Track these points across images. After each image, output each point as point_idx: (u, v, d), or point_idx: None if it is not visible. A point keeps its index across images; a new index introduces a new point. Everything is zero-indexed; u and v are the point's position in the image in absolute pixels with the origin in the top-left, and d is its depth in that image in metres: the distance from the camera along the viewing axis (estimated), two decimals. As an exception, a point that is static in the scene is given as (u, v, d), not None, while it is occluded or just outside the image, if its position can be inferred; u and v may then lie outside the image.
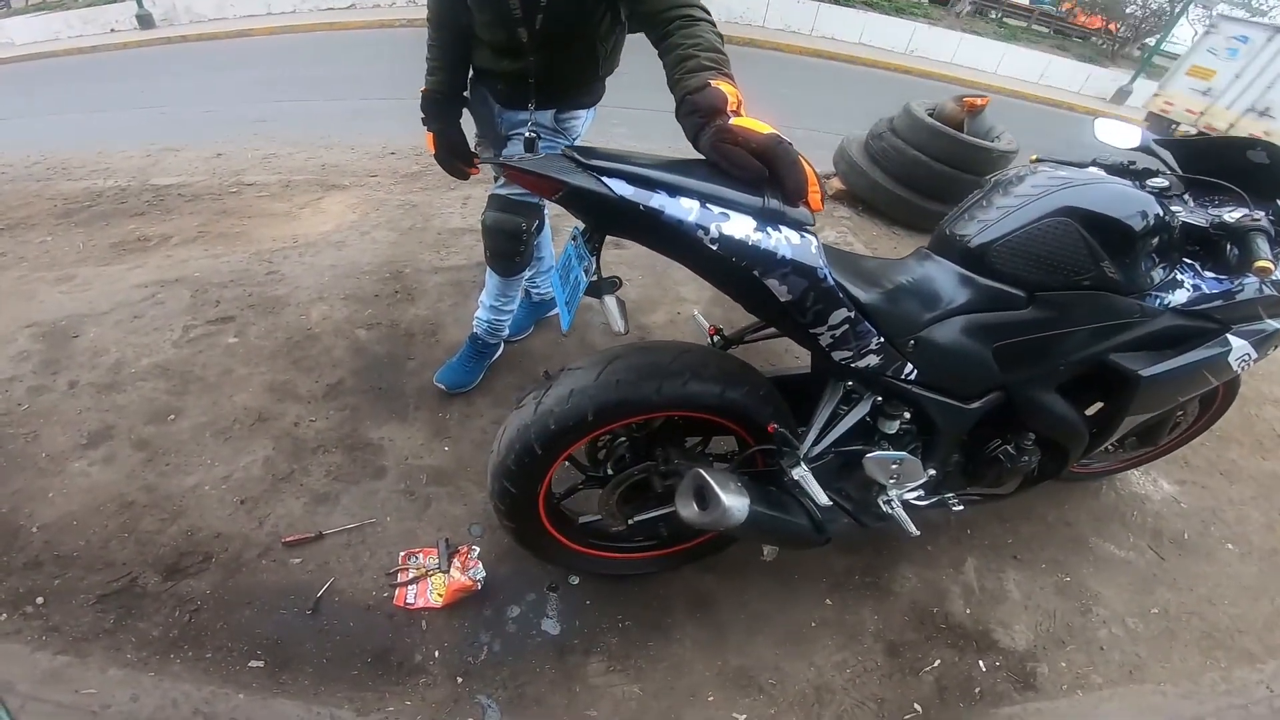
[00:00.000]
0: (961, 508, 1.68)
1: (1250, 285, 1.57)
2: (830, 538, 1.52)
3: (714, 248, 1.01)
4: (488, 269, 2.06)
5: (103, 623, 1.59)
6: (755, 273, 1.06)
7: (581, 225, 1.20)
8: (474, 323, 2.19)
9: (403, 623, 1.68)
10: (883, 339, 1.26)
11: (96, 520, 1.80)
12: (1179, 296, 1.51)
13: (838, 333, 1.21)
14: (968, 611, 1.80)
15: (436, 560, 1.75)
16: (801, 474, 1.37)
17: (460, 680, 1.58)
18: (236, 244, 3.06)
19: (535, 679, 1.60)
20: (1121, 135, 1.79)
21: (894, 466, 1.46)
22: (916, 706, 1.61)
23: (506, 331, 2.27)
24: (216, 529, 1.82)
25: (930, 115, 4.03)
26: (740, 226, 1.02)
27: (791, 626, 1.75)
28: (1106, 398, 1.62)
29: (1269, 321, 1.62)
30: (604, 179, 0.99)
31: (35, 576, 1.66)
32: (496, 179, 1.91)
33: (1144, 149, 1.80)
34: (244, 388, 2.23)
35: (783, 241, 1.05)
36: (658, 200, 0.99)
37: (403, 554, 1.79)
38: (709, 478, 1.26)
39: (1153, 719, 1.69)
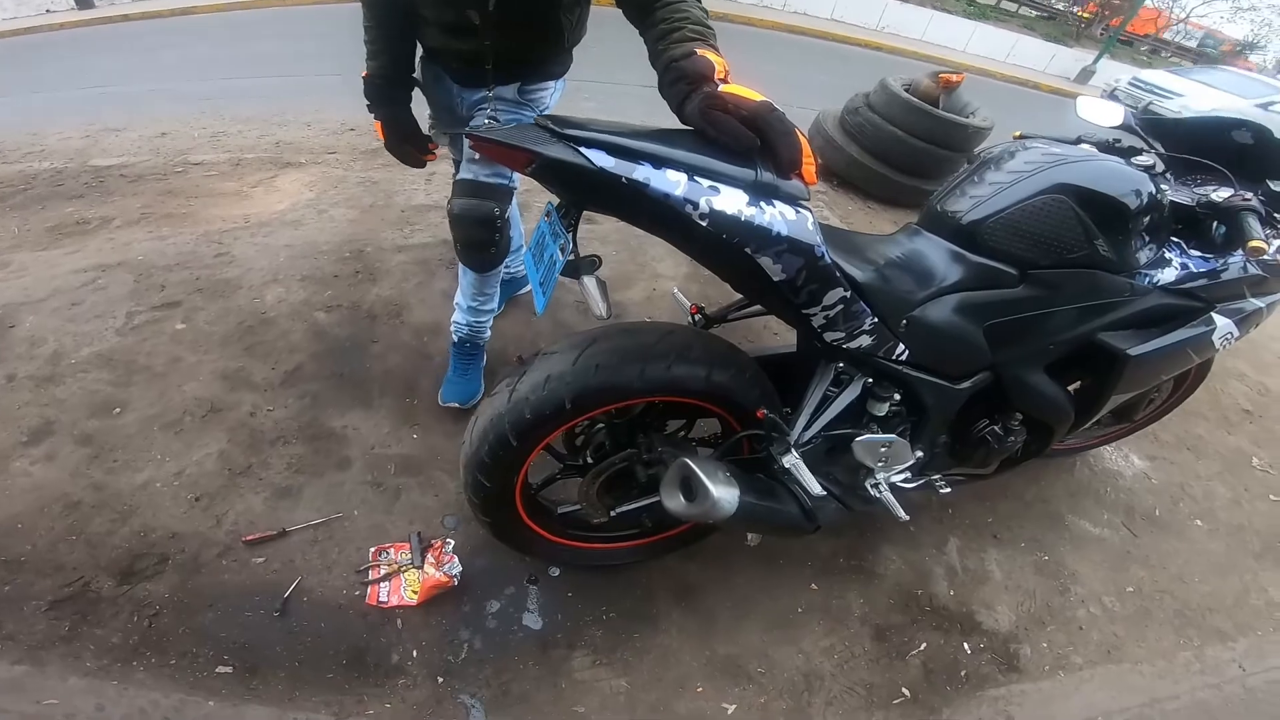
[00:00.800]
0: (948, 490, 1.68)
1: (1235, 264, 1.57)
2: (820, 525, 1.49)
3: (704, 224, 0.96)
4: (460, 265, 1.91)
5: (58, 629, 1.49)
6: (747, 250, 1.02)
7: (556, 200, 1.13)
8: (452, 328, 2.03)
9: (377, 622, 1.61)
10: (876, 319, 1.23)
11: (43, 522, 1.69)
12: (1167, 275, 1.51)
13: (832, 313, 1.17)
14: (951, 593, 1.81)
15: (409, 555, 1.69)
16: (793, 462, 1.33)
17: (441, 680, 1.53)
18: (183, 225, 2.90)
19: (519, 676, 1.55)
20: (1104, 113, 1.78)
21: (883, 449, 1.44)
22: (904, 690, 1.62)
23: (488, 333, 2.10)
24: (171, 529, 1.72)
25: (906, 91, 4.02)
26: (732, 201, 0.97)
27: (778, 612, 1.73)
28: (1092, 376, 1.61)
29: (1251, 300, 1.63)
30: (581, 149, 0.92)
31: (-19, 583, 1.56)
32: (458, 163, 1.77)
33: (1126, 128, 1.79)
34: (194, 376, 2.11)
35: (777, 217, 1.00)
36: (641, 172, 0.93)
37: (373, 550, 1.71)
38: (696, 468, 1.21)
39: (1132, 698, 1.71)
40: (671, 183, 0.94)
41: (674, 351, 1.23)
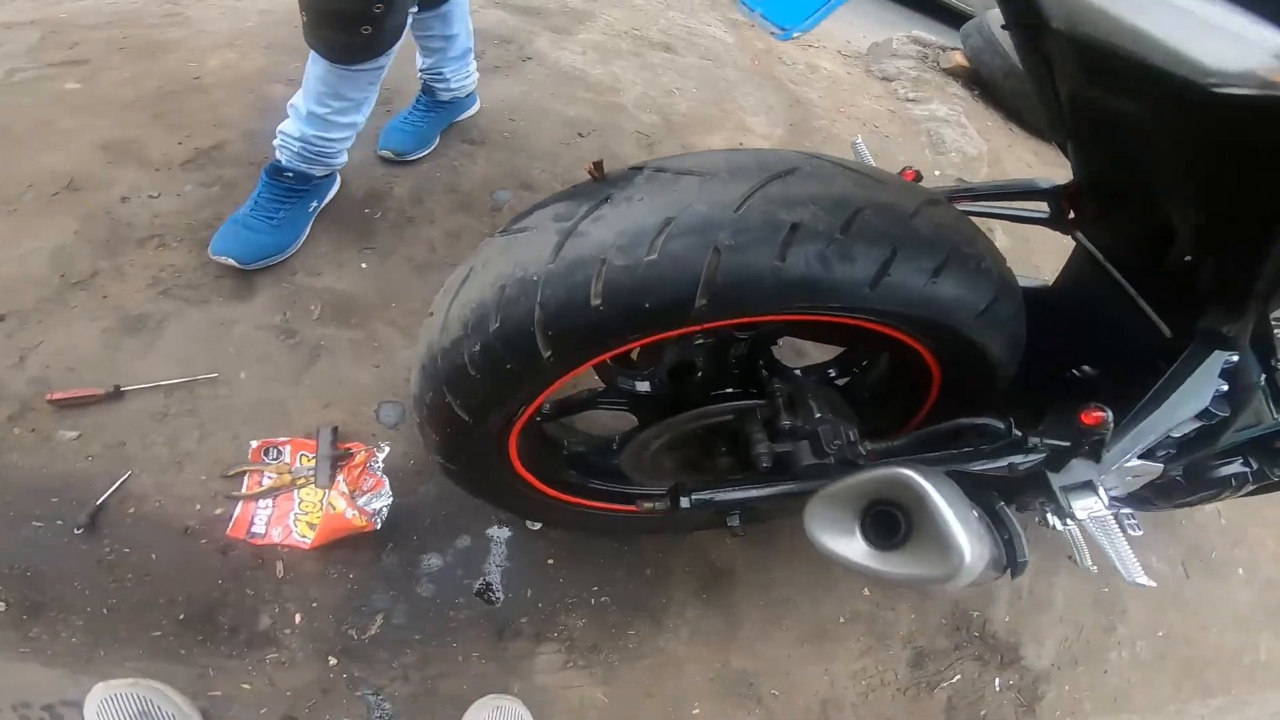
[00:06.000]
0: (1140, 532, 0.98)
1: None
2: (1015, 577, 0.69)
3: None
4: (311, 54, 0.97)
5: None
6: None
7: None
8: (275, 140, 1.07)
9: (244, 563, 0.83)
10: None
11: None
12: None
13: None
14: (1007, 619, 1.26)
15: (312, 464, 0.86)
16: (1099, 513, 0.62)
17: (334, 662, 0.82)
18: None
19: (455, 670, 0.87)
20: None
21: (1131, 479, 0.76)
22: None
23: (341, 160, 1.14)
24: (-49, 363, 0.93)
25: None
26: None
27: (817, 621, 1.12)
28: None
29: None
30: None
31: None
32: None
33: None
34: (63, 146, 1.20)
35: None
36: None
37: (256, 444, 0.88)
38: (943, 505, 0.44)
39: None
40: None
41: (947, 242, 0.52)
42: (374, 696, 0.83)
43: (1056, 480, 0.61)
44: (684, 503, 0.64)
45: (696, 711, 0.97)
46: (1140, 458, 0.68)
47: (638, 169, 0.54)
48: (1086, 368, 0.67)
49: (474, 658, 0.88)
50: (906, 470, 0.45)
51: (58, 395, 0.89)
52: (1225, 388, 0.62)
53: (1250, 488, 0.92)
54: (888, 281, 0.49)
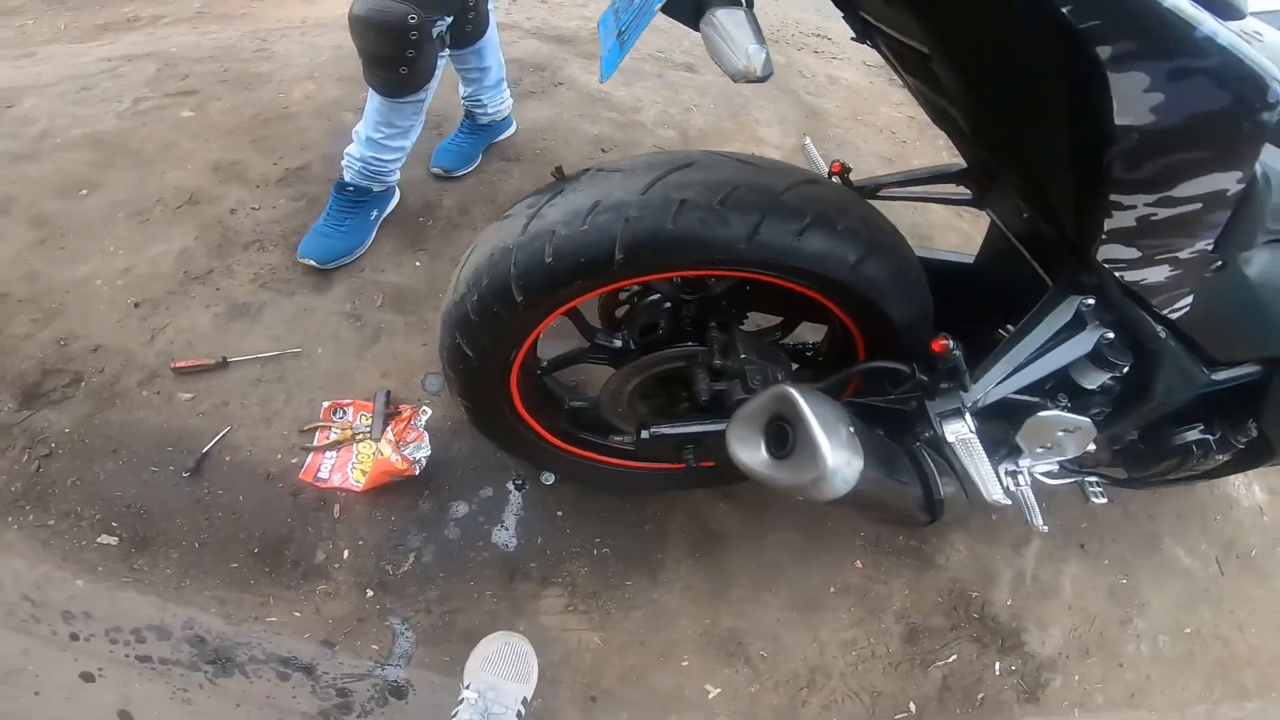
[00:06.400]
0: (1103, 499, 1.02)
1: None
2: (937, 518, 0.79)
3: None
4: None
5: None
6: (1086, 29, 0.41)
7: None
8: (343, 162, 1.27)
9: (310, 504, 0.99)
10: (1211, 245, 0.61)
11: None
12: None
13: (1166, 214, 0.55)
14: (1009, 602, 1.23)
15: (369, 422, 1.03)
16: (964, 435, 0.71)
17: (371, 594, 0.96)
18: (234, 24, 2.16)
19: (469, 606, 0.99)
20: None
21: (1062, 433, 0.79)
22: (911, 705, 1.10)
23: (395, 177, 1.34)
24: (96, 339, 1.13)
25: None
26: None
27: (807, 588, 1.15)
28: None
29: None
30: None
31: None
32: None
33: None
34: (183, 164, 1.45)
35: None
36: None
37: (326, 405, 1.06)
38: (807, 409, 0.56)
39: None
40: None
41: (813, 209, 0.66)
42: (400, 625, 0.96)
43: (933, 408, 0.71)
44: (644, 435, 0.79)
45: (686, 664, 1.04)
46: (1068, 411, 0.76)
47: (585, 170, 0.72)
48: (1010, 326, 0.75)
49: (487, 596, 1.00)
50: (786, 387, 0.56)
51: (179, 364, 1.10)
52: (1109, 335, 0.70)
53: (1223, 457, 0.93)
54: (759, 239, 0.65)
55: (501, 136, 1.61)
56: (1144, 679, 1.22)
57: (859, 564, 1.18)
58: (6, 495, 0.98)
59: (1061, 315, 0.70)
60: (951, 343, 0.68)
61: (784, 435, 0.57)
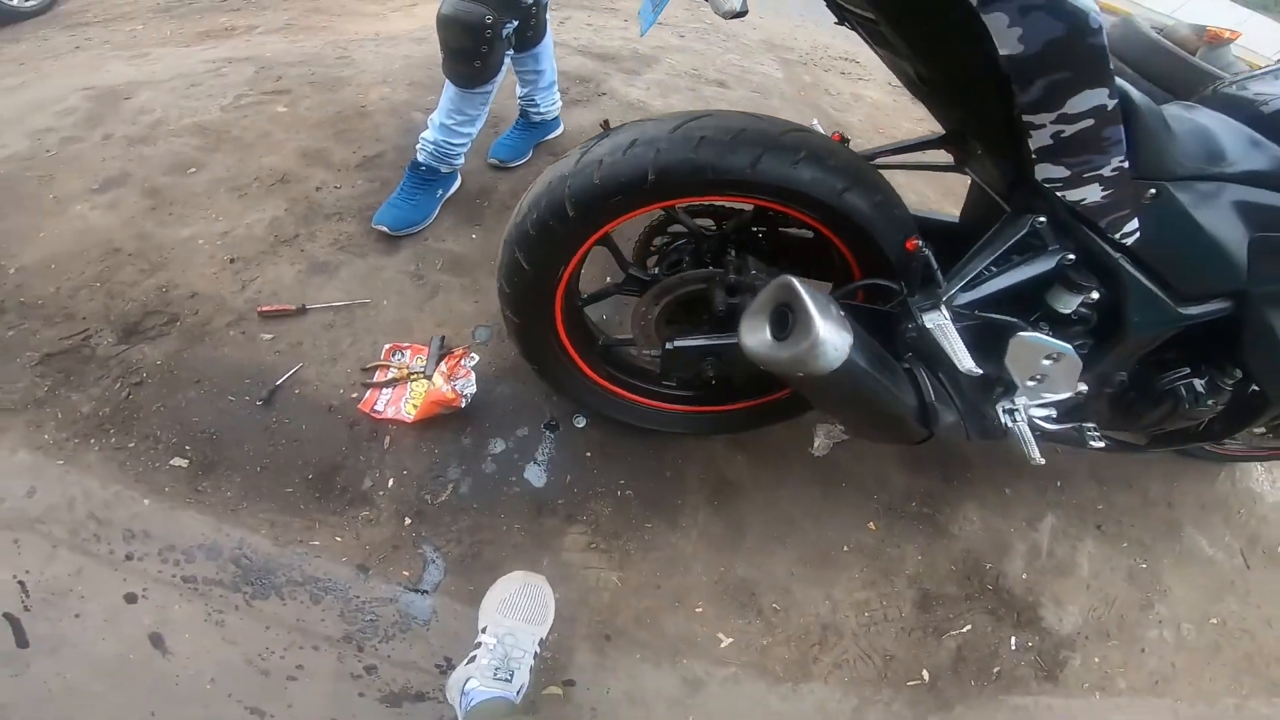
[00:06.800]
0: (1101, 444, 1.04)
1: None
2: (934, 433, 0.89)
3: None
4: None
5: (36, 390, 1.11)
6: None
7: None
8: (417, 144, 1.44)
9: (363, 435, 1.08)
10: (1126, 163, 0.71)
11: (75, 266, 1.30)
12: None
13: (1071, 130, 0.67)
14: (1024, 576, 1.23)
15: (424, 363, 1.13)
16: (939, 321, 0.78)
17: (408, 521, 1.02)
18: (318, 34, 2.43)
19: (497, 539, 1.03)
20: None
21: (1047, 361, 0.85)
22: (925, 674, 1.09)
23: (460, 161, 1.48)
24: (194, 287, 1.27)
25: (1158, 33, 2.79)
26: None
27: (821, 546, 1.17)
28: None
29: None
30: None
31: (-10, 324, 1.19)
32: None
33: None
34: (277, 150, 1.62)
35: None
36: None
37: (387, 347, 1.16)
38: (802, 290, 0.67)
39: None
40: None
41: (806, 149, 0.80)
42: (432, 553, 1.02)
43: (914, 302, 0.79)
44: (668, 347, 0.87)
45: (700, 610, 1.06)
46: (1048, 336, 0.83)
47: (626, 123, 0.84)
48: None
49: (515, 530, 1.06)
50: (787, 276, 0.65)
51: (263, 309, 1.22)
52: (1070, 256, 0.79)
53: (1215, 404, 0.96)
54: (760, 167, 0.78)
55: (550, 135, 1.76)
56: (1168, 667, 1.19)
57: (872, 525, 1.20)
58: (95, 419, 1.09)
59: (1018, 229, 0.80)
60: (922, 243, 0.80)
61: (785, 320, 0.64)
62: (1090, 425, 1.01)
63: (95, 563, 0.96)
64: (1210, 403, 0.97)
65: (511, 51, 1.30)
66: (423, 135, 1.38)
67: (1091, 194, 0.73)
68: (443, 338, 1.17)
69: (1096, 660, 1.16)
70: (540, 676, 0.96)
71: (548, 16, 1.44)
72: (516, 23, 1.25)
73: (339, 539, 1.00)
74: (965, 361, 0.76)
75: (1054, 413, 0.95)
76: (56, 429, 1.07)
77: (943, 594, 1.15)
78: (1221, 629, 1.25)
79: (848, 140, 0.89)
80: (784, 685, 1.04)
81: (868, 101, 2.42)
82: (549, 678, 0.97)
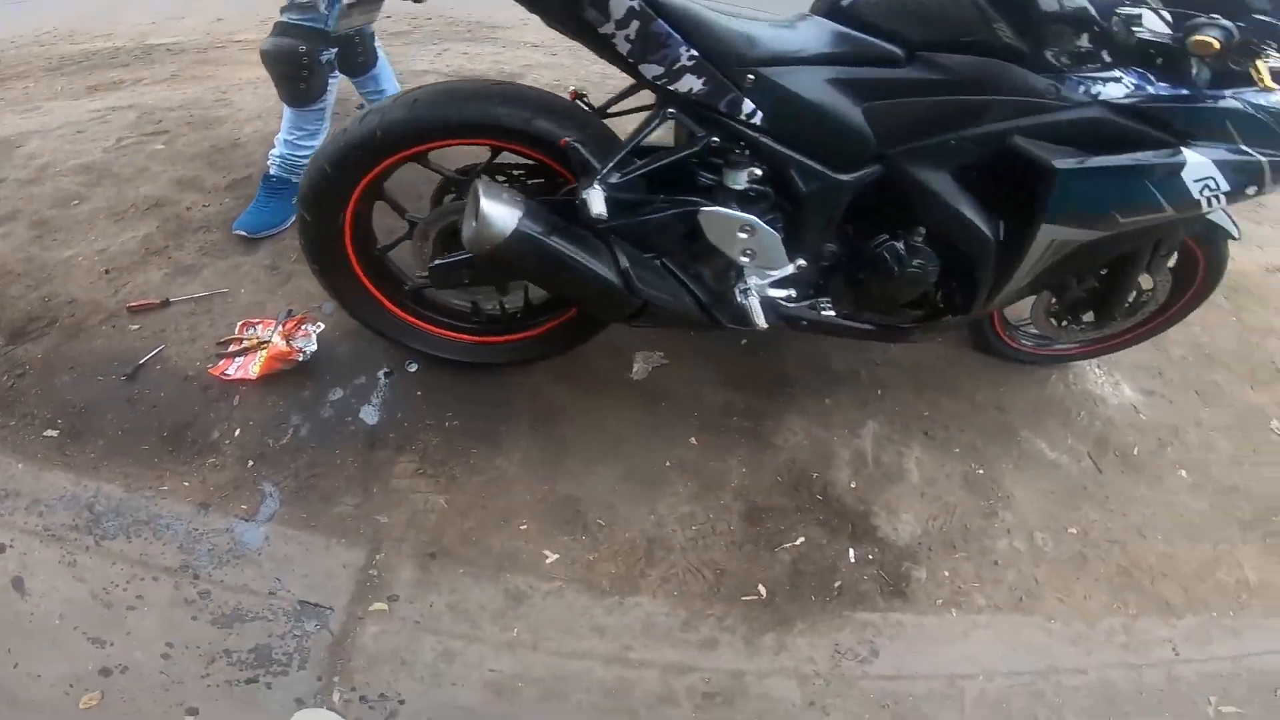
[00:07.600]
0: (832, 312, 1.16)
1: (1220, 99, 1.00)
2: (643, 300, 1.03)
3: None
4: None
5: None
6: None
7: None
8: (268, 159, 1.63)
9: (215, 396, 1.26)
10: (698, 55, 0.92)
11: None
12: (1113, 90, 0.99)
13: (630, 32, 0.88)
14: (853, 485, 1.24)
15: (272, 331, 1.33)
16: (590, 193, 0.94)
17: (251, 464, 1.18)
18: (200, 83, 2.61)
19: (332, 471, 1.18)
20: None
21: (744, 234, 1.01)
22: (761, 589, 1.11)
23: None
24: (72, 295, 1.44)
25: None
26: None
27: (643, 462, 1.24)
28: (1015, 198, 1.04)
29: (1244, 147, 1.00)
30: None
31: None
32: (284, 8, 1.47)
33: None
34: (153, 181, 1.80)
35: None
36: None
37: (240, 323, 1.36)
38: (478, 184, 0.94)
39: (1026, 660, 1.10)
40: None
41: (501, 95, 1.02)
42: (270, 487, 1.15)
43: (580, 186, 0.96)
44: (429, 265, 1.10)
45: (524, 527, 1.14)
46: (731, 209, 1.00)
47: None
48: None
49: (349, 462, 1.19)
50: (475, 180, 0.94)
51: (131, 304, 1.41)
52: (715, 139, 0.96)
53: (925, 266, 1.08)
54: (465, 112, 1.00)
55: None
56: (1030, 581, 1.17)
57: (694, 441, 1.28)
58: (-17, 406, 1.22)
59: (656, 118, 1.00)
60: (572, 139, 0.97)
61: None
62: (825, 300, 1.15)
63: (-28, 522, 1.07)
64: (918, 263, 1.07)
65: (337, 75, 1.54)
66: (271, 151, 1.61)
67: (694, 83, 0.92)
68: (289, 310, 1.37)
69: (945, 574, 1.15)
70: (366, 594, 1.04)
71: (376, 43, 1.69)
72: (334, 50, 1.48)
73: (186, 484, 1.15)
74: (597, 206, 0.93)
75: (793, 292, 1.11)
76: (-52, 415, 1.20)
77: (771, 506, 1.20)
78: (1084, 539, 1.23)
79: (584, 96, 1.10)
80: (610, 599, 1.07)
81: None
82: (374, 595, 1.04)
